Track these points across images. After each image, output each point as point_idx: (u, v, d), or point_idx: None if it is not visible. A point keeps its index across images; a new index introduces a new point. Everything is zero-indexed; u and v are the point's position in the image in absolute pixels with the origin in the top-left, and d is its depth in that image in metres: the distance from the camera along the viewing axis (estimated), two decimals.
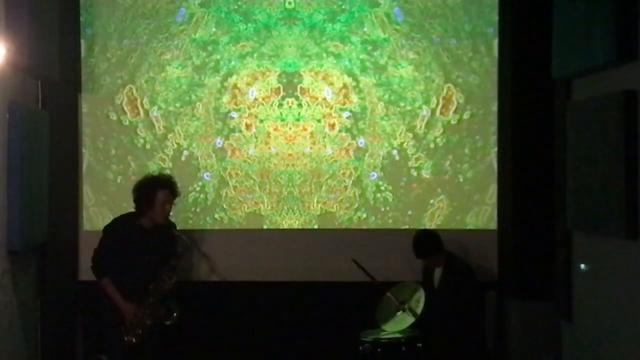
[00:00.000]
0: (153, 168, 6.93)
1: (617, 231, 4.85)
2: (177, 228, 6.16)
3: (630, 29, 4.76)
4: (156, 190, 5.94)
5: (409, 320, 6.11)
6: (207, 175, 7.00)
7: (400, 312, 6.19)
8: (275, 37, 7.00)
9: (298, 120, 7.00)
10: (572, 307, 5.77)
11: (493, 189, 6.95)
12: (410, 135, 6.99)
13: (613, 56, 4.86)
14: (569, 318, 5.81)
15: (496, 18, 6.90)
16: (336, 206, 7.01)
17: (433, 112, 6.99)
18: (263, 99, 7.00)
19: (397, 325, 6.17)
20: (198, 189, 6.97)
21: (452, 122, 6.98)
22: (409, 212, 7.00)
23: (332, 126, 7.01)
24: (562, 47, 5.58)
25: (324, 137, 7.01)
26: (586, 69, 5.32)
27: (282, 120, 7.01)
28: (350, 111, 7.00)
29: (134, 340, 5.83)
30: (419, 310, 6.09)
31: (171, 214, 6.15)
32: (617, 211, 4.82)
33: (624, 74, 4.90)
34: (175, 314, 5.93)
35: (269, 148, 7.00)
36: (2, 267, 5.55)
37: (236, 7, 7.01)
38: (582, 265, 5.53)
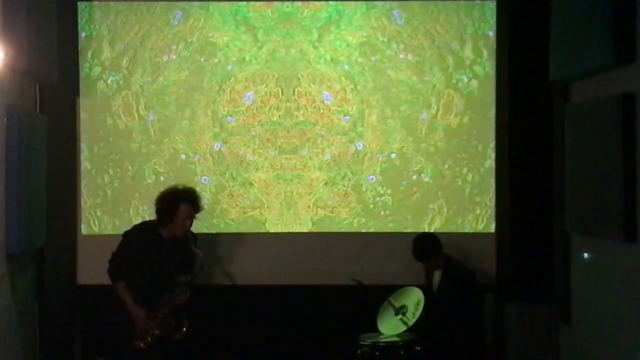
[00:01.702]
0: (150, 172, 6.93)
1: (616, 234, 4.84)
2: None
3: (628, 31, 4.76)
4: (179, 204, 5.86)
5: (407, 325, 6.11)
6: (205, 179, 7.00)
7: (400, 316, 6.19)
8: (273, 41, 6.99)
9: (296, 124, 7.00)
10: (571, 309, 5.77)
11: (492, 192, 6.95)
12: (410, 139, 6.99)
13: (611, 59, 4.86)
14: (568, 321, 5.81)
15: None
16: (335, 210, 7.01)
17: (433, 116, 6.98)
18: (261, 102, 7.00)
19: (395, 329, 6.17)
20: (198, 191, 6.93)
21: (452, 126, 6.98)
22: (409, 216, 6.99)
23: (331, 130, 7.00)
24: (560, 50, 5.59)
25: (323, 141, 7.00)
26: (584, 71, 5.32)
27: (280, 124, 7.00)
28: (349, 115, 7.00)
29: (142, 345, 5.81)
30: (417, 315, 6.08)
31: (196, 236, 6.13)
32: (616, 214, 4.82)
33: (622, 76, 4.90)
34: (184, 329, 5.90)
35: (267, 152, 7.00)
36: (1, 271, 5.55)
37: (233, 10, 7.00)
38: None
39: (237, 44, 7.00)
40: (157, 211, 5.93)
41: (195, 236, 6.12)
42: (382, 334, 6.19)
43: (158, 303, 5.83)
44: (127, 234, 6.03)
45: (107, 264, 5.90)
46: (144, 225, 6.10)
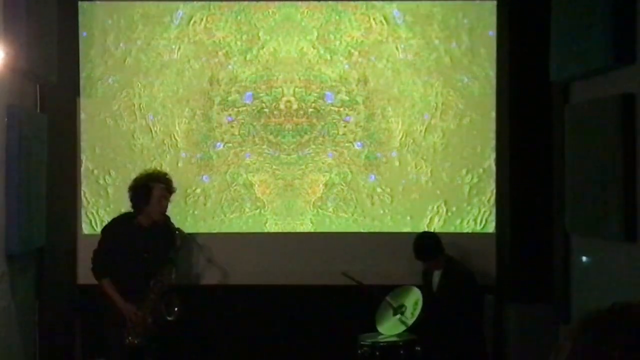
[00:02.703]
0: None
1: (615, 234, 4.85)
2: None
3: (628, 32, 4.77)
4: (151, 185, 5.94)
5: (406, 324, 6.12)
6: (205, 178, 7.00)
7: (398, 315, 6.19)
8: (274, 40, 6.99)
9: (297, 124, 6.99)
10: (571, 310, 5.77)
11: (492, 192, 6.95)
12: (410, 139, 6.98)
13: (611, 59, 4.86)
14: (568, 321, 5.81)
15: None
16: (335, 209, 7.00)
17: (433, 116, 6.98)
18: (262, 102, 6.99)
19: (394, 329, 6.17)
20: (199, 191, 6.95)
21: (452, 126, 6.97)
22: (408, 216, 6.99)
23: (331, 129, 6.99)
24: (560, 51, 5.59)
25: (323, 141, 7.00)
26: (584, 72, 5.33)
27: (281, 124, 6.99)
28: (349, 114, 6.99)
29: (136, 342, 5.81)
30: (415, 314, 6.09)
31: (169, 216, 6.16)
32: (615, 214, 4.82)
33: (622, 77, 4.90)
34: (176, 308, 5.90)
35: (268, 151, 6.99)
36: (1, 271, 5.55)
37: (234, 10, 7.00)
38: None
39: (237, 44, 6.99)
40: (132, 199, 5.99)
41: (170, 220, 6.13)
42: (382, 334, 6.20)
43: (146, 291, 5.84)
44: (104, 229, 6.08)
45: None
46: (121, 217, 6.15)
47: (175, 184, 6.15)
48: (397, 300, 6.26)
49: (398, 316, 6.18)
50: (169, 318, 5.87)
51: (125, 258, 5.87)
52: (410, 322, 6.09)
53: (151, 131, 7.00)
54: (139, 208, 5.97)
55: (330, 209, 7.01)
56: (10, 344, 5.76)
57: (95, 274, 5.94)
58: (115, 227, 6.01)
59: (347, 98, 6.99)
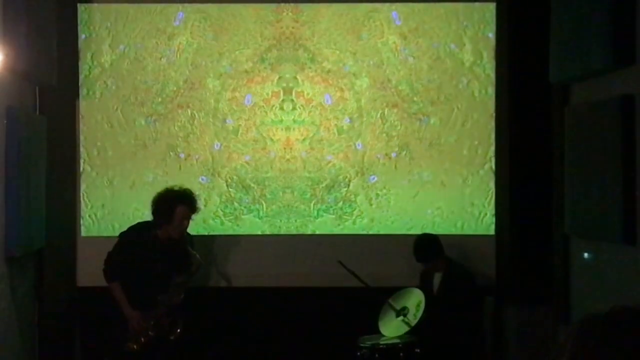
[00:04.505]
0: (149, 173, 6.92)
1: (615, 236, 4.84)
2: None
3: (627, 33, 4.77)
4: (176, 205, 5.86)
5: (409, 325, 6.11)
6: (203, 179, 6.98)
7: (401, 317, 6.19)
8: (273, 42, 6.98)
9: (297, 125, 6.99)
10: (570, 312, 5.77)
11: (492, 194, 6.94)
12: (410, 140, 6.97)
13: (610, 61, 4.86)
14: (567, 323, 5.81)
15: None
16: (335, 211, 7.00)
17: (433, 117, 6.97)
18: (261, 103, 6.99)
19: (397, 330, 6.17)
20: (197, 192, 6.92)
21: (452, 127, 6.97)
22: (408, 217, 6.98)
23: (331, 131, 6.99)
24: (559, 52, 5.59)
25: (323, 142, 6.99)
26: (583, 73, 5.33)
27: (280, 124, 6.99)
28: (349, 115, 6.99)
29: (135, 347, 5.81)
30: (418, 315, 6.08)
31: (191, 236, 6.17)
32: (615, 216, 4.82)
33: (621, 78, 4.90)
34: (178, 330, 5.89)
35: (267, 153, 6.99)
36: (0, 273, 5.55)
37: (234, 12, 6.99)
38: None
39: (236, 46, 6.99)
40: (154, 212, 5.93)
41: (192, 237, 6.13)
42: (382, 336, 6.19)
43: (152, 304, 5.83)
44: (122, 234, 6.04)
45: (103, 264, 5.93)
46: (140, 225, 6.10)
47: (199, 203, 6.11)
48: (399, 302, 6.25)
49: (401, 317, 6.17)
50: (170, 337, 5.85)
51: (138, 267, 5.84)
52: (413, 323, 6.08)
53: (150, 132, 6.98)
54: (159, 223, 5.93)
55: (331, 211, 7.00)
56: (10, 346, 5.76)
57: (105, 276, 5.91)
58: (133, 235, 5.97)
59: (347, 99, 6.98)
